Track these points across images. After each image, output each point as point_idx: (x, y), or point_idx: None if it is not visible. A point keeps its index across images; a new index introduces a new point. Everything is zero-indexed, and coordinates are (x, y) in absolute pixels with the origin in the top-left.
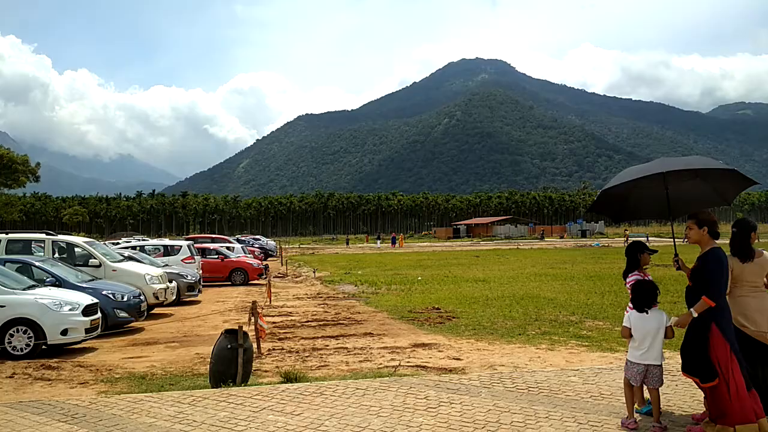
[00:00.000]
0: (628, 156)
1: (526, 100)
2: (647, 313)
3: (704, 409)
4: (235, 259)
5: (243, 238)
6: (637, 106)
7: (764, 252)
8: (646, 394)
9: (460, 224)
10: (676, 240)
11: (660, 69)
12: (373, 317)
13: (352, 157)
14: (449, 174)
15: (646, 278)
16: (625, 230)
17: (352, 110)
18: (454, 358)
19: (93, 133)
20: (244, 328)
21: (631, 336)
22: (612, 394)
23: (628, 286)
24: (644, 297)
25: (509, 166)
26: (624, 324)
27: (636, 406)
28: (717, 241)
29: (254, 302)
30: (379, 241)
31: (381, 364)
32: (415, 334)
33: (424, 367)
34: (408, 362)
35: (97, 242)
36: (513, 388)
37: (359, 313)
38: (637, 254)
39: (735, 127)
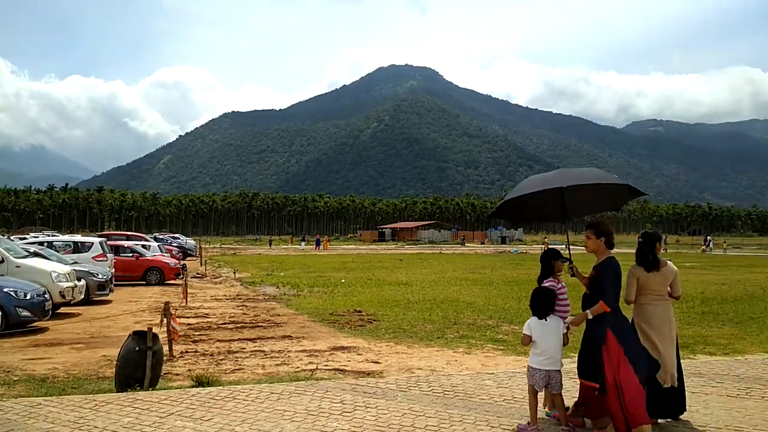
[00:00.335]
0: (547, 166)
1: (453, 108)
2: (546, 320)
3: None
4: (150, 258)
5: (161, 237)
6: (558, 119)
7: (668, 262)
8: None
9: (386, 228)
10: (570, 248)
11: (580, 84)
12: (293, 320)
13: (279, 157)
14: (376, 178)
15: (559, 285)
16: (545, 238)
17: (280, 110)
18: (372, 362)
19: (3, 122)
20: (156, 330)
21: (531, 343)
22: (525, 398)
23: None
24: (542, 304)
25: (435, 173)
26: (525, 332)
27: (546, 409)
28: (611, 251)
29: (167, 303)
30: (303, 243)
31: (298, 367)
32: (335, 337)
33: (342, 370)
34: (326, 366)
35: (1, 237)
36: (429, 391)
37: (279, 315)
38: (551, 261)
39: (647, 142)
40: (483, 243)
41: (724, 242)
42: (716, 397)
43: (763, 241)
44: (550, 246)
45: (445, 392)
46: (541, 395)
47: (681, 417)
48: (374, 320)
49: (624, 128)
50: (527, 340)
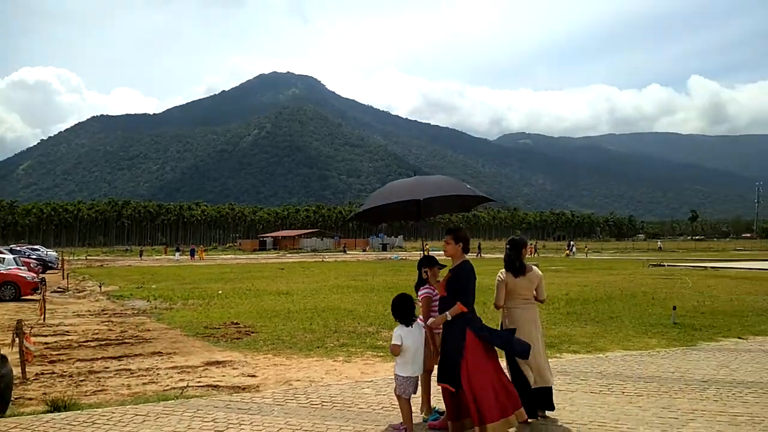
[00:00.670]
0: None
1: (335, 117)
2: (412, 326)
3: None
4: (4, 272)
5: (18, 248)
6: (435, 130)
7: (534, 267)
8: (433, 403)
9: (267, 236)
10: (426, 253)
11: (455, 97)
12: (164, 335)
13: (153, 164)
14: (257, 186)
15: (435, 291)
16: (426, 245)
17: (154, 114)
18: (249, 375)
19: None
20: (5, 351)
21: (400, 351)
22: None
23: (419, 298)
24: (406, 310)
25: (317, 181)
26: (394, 342)
27: (423, 415)
28: (466, 256)
29: (19, 321)
30: (177, 253)
31: (168, 385)
32: (210, 352)
33: (215, 386)
34: (198, 382)
35: None
36: (307, 403)
37: (149, 330)
38: (425, 268)
39: (517, 154)
40: (365, 250)
41: (586, 247)
42: (581, 394)
43: (619, 245)
44: (429, 253)
45: (323, 403)
46: (417, 401)
47: (549, 415)
48: (252, 332)
49: (496, 140)
50: (398, 350)
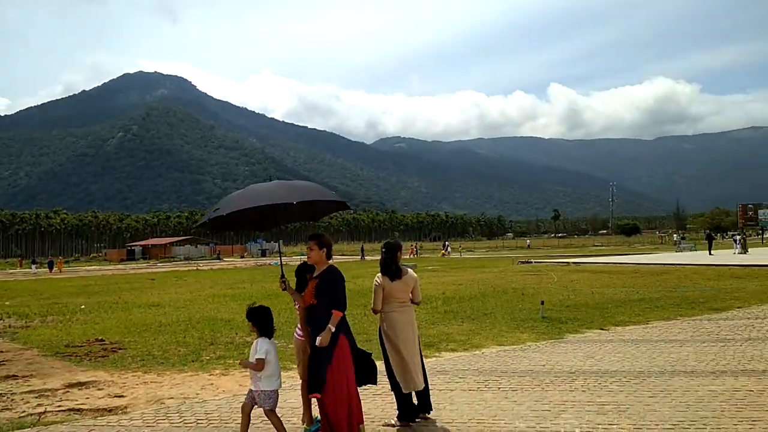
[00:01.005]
0: (304, 180)
1: (208, 119)
2: (272, 338)
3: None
4: None
5: None
6: (313, 133)
7: (409, 270)
8: (315, 412)
9: (136, 245)
10: (282, 261)
11: (332, 101)
12: (20, 356)
13: (4, 170)
14: (124, 191)
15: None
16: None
17: (5, 116)
18: (115, 396)
19: None
20: None
21: (264, 366)
22: (283, 416)
23: (297, 306)
24: (268, 322)
25: (190, 185)
26: (259, 356)
27: (305, 425)
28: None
29: None
30: (34, 266)
31: (24, 411)
32: (71, 372)
33: (78, 410)
34: (59, 407)
35: None
36: (180, 423)
37: (2, 352)
38: (305, 275)
39: (393, 158)
40: (243, 257)
41: (460, 246)
42: (460, 392)
43: (490, 244)
44: (304, 260)
45: (198, 421)
46: (299, 411)
47: (429, 415)
48: (119, 348)
49: (373, 144)
50: (262, 366)
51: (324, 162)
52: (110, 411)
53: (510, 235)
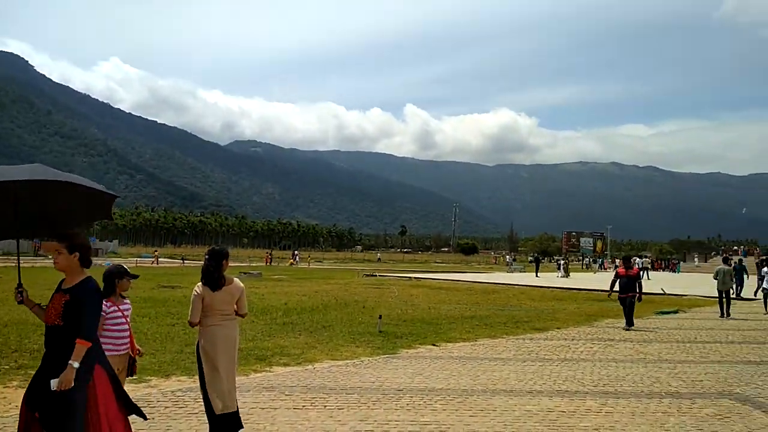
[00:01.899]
0: (149, 177)
1: (45, 104)
2: None
3: None
4: None
5: None
6: (163, 129)
7: (235, 279)
8: None
9: None
10: (20, 266)
11: (187, 97)
12: None
13: None
14: None
15: (113, 307)
16: (155, 251)
17: None
18: None
19: None
20: None
21: None
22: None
23: (104, 315)
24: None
25: None
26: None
27: None
28: (87, 270)
29: None
30: None
31: None
32: None
33: None
34: None
35: None
36: None
37: None
38: (115, 280)
39: (248, 161)
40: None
41: (309, 256)
42: (284, 410)
43: (339, 255)
44: (115, 263)
45: None
46: None
47: None
48: None
49: (227, 146)
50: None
51: (173, 159)
52: None
53: (359, 247)
